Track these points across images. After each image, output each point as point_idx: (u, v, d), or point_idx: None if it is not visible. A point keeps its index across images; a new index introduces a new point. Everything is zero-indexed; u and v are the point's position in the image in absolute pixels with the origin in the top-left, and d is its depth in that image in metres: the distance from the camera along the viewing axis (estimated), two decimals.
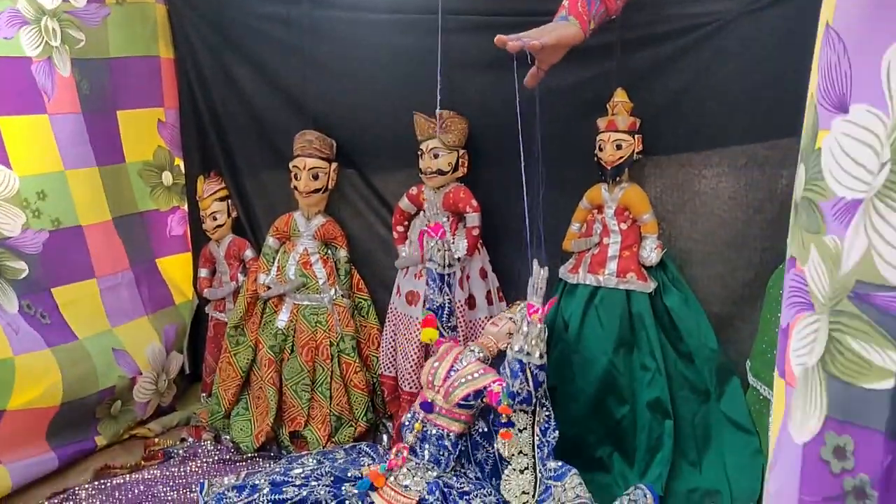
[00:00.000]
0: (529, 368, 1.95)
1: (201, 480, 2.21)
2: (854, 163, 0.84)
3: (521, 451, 2.05)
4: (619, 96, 2.27)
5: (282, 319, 2.64)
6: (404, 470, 2.03)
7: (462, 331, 2.39)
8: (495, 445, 2.06)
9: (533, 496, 1.99)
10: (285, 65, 2.66)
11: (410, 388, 2.46)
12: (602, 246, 2.34)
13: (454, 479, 2.01)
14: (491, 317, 2.44)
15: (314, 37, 2.60)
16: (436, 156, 2.37)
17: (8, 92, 2.29)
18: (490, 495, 1.99)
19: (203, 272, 2.92)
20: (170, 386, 2.88)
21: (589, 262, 2.35)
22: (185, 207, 3.00)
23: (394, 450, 2.09)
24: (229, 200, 2.84)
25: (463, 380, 2.06)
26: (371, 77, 2.57)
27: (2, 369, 2.19)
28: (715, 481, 2.17)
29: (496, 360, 2.16)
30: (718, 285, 2.32)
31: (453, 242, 2.41)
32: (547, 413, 2.06)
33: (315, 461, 2.24)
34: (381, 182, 2.69)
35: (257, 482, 1.99)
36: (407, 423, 2.14)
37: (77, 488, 2.28)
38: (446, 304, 2.21)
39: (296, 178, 2.58)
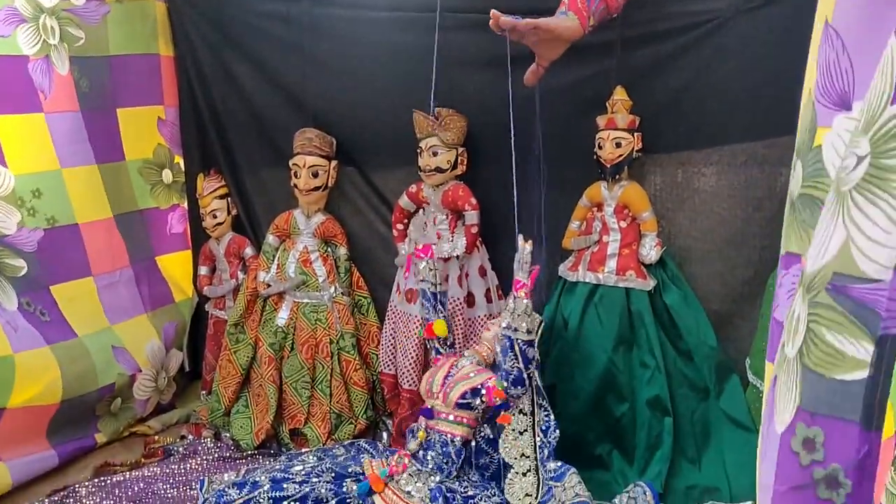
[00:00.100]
0: (518, 344, 1.94)
1: (201, 478, 2.21)
2: None
3: (522, 454, 2.05)
4: (619, 94, 2.27)
5: (282, 317, 2.65)
6: (406, 475, 2.03)
7: (461, 329, 2.39)
8: (500, 451, 2.06)
9: (536, 498, 1.99)
10: (285, 62, 2.66)
11: (410, 385, 2.46)
12: (601, 244, 2.34)
13: (457, 483, 2.01)
14: (490, 315, 2.44)
15: (314, 34, 2.60)
16: (435, 153, 2.37)
17: (4, 91, 2.28)
18: (494, 496, 1.99)
19: (203, 270, 2.92)
20: (170, 383, 2.88)
21: (588, 259, 2.35)
22: (185, 205, 3.00)
23: (395, 456, 2.08)
24: (229, 198, 2.84)
25: (459, 380, 2.06)
26: (371, 75, 2.57)
27: (2, 367, 2.19)
28: (714, 479, 2.18)
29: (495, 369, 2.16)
30: (718, 283, 2.32)
31: (452, 240, 2.41)
32: (546, 413, 2.07)
33: (315, 458, 2.24)
34: (381, 180, 2.69)
35: (258, 479, 1.99)
36: (413, 432, 2.13)
37: (77, 486, 2.28)
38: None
39: (296, 176, 2.58)
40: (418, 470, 2.03)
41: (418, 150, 2.41)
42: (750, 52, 2.16)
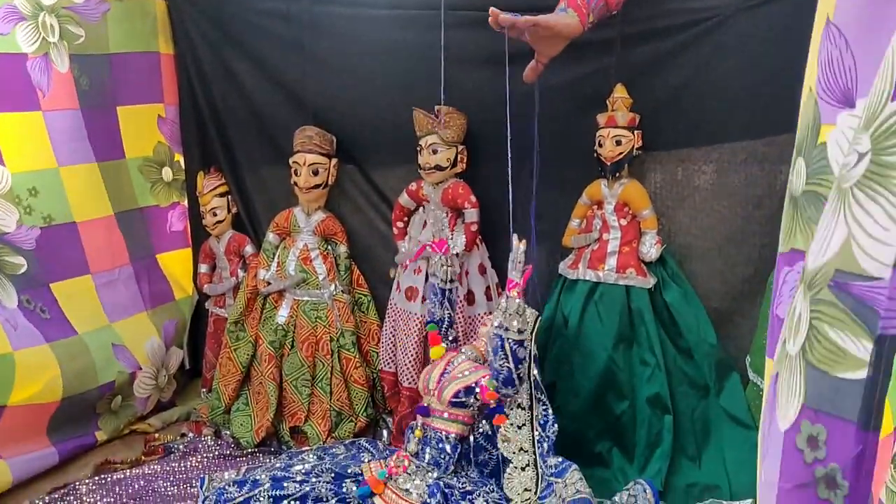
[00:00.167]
0: (508, 344, 1.94)
1: (201, 475, 2.22)
2: None
3: (521, 448, 2.05)
4: (619, 92, 2.27)
5: (282, 315, 2.65)
6: (405, 473, 2.03)
7: (461, 327, 2.39)
8: (498, 447, 2.06)
9: (535, 493, 1.99)
10: (285, 60, 2.66)
11: (410, 383, 2.47)
12: (602, 241, 2.34)
13: (455, 479, 2.01)
14: (490, 313, 2.44)
15: (314, 32, 2.60)
16: (434, 151, 2.37)
17: (2, 89, 2.28)
18: (492, 492, 1.99)
19: (203, 268, 2.92)
20: (170, 381, 2.89)
21: (589, 257, 2.35)
22: (185, 203, 3.00)
23: (394, 457, 2.09)
24: (229, 196, 2.84)
25: (454, 378, 2.06)
26: (371, 73, 2.57)
27: (2, 365, 2.19)
28: (714, 476, 2.18)
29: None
30: (718, 281, 2.32)
31: (452, 238, 2.41)
32: (544, 408, 2.07)
33: (315, 457, 2.24)
34: (381, 178, 2.69)
35: (258, 477, 1.99)
36: (411, 430, 2.14)
37: (77, 483, 2.29)
38: (446, 318, 2.22)
39: (296, 174, 2.58)
40: (416, 467, 2.03)
41: (418, 148, 2.41)
42: (749, 49, 2.16)
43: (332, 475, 2.02)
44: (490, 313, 2.43)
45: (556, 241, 2.43)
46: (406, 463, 2.05)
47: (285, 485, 1.94)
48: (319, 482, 1.97)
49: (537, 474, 2.02)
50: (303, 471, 2.04)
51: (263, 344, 2.64)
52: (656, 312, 2.29)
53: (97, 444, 2.56)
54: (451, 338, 2.24)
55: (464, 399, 2.03)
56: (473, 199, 2.40)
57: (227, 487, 1.95)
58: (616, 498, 2.08)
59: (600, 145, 2.27)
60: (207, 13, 2.74)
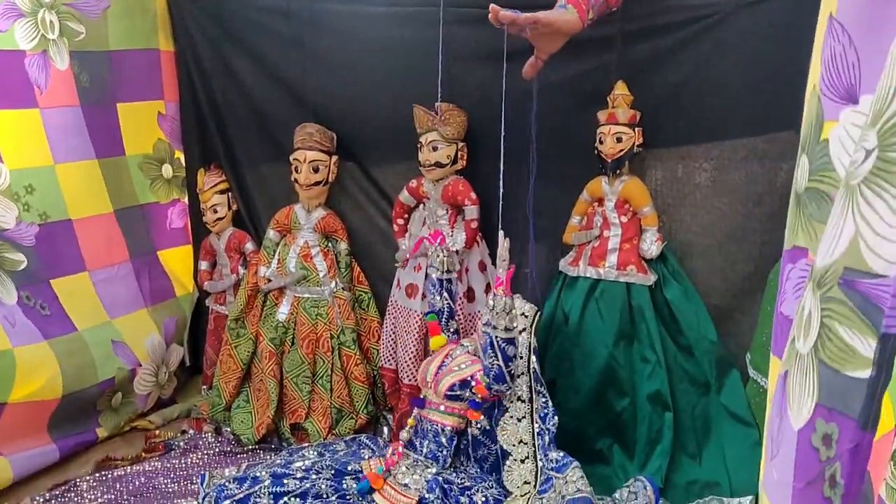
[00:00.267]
0: (496, 341, 1.94)
1: (202, 472, 2.22)
2: None
3: (521, 441, 2.05)
4: (620, 89, 2.27)
5: (282, 312, 2.65)
6: (403, 468, 2.03)
7: (461, 324, 2.39)
8: (496, 441, 2.07)
9: (534, 486, 1.99)
10: (285, 57, 2.66)
11: (410, 380, 2.47)
12: (602, 239, 2.34)
13: (454, 474, 2.02)
14: None
15: (314, 29, 2.60)
16: (435, 148, 2.37)
17: (0, 85, 2.28)
18: (491, 488, 1.99)
19: (203, 265, 2.92)
20: (170, 378, 2.89)
21: (589, 254, 2.35)
22: (186, 200, 3.00)
23: (390, 449, 2.10)
24: (230, 193, 2.84)
25: (450, 371, 2.06)
26: (371, 70, 2.56)
27: (1, 362, 2.20)
28: (714, 473, 2.18)
29: None
30: (718, 278, 2.32)
31: (451, 235, 2.41)
32: (544, 400, 2.07)
33: (316, 454, 2.25)
34: (381, 175, 2.69)
35: (258, 474, 1.99)
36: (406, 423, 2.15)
37: (78, 480, 2.29)
38: (446, 309, 2.23)
39: (296, 171, 2.58)
40: (414, 462, 2.04)
41: (418, 145, 2.41)
42: (750, 46, 2.16)
43: (333, 472, 2.02)
44: None
45: (556, 238, 2.43)
46: (401, 449, 2.05)
47: (285, 481, 1.94)
48: (320, 479, 1.97)
49: (537, 467, 2.02)
50: (303, 467, 2.04)
51: (264, 341, 2.64)
52: (657, 309, 2.29)
53: (98, 441, 2.56)
54: (452, 329, 2.24)
55: (459, 392, 2.03)
56: (474, 195, 2.40)
57: (227, 484, 1.95)
58: (616, 495, 2.08)
59: (601, 142, 2.27)
60: (207, 10, 2.74)
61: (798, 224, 1.01)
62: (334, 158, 2.60)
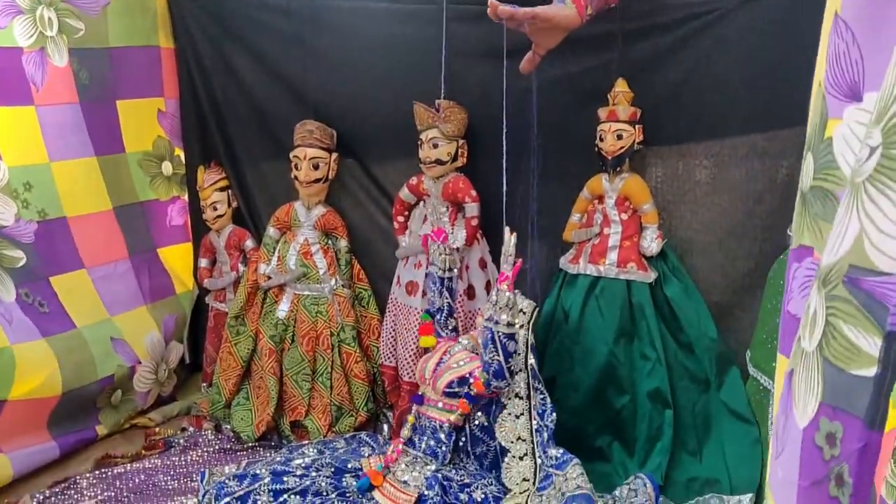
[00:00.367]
0: (498, 336, 1.94)
1: (202, 470, 2.22)
2: None
3: (519, 437, 2.05)
4: (620, 86, 2.26)
5: (282, 309, 2.65)
6: (403, 465, 2.03)
7: (461, 321, 2.39)
8: (495, 438, 2.07)
9: (533, 483, 1.99)
10: (286, 55, 2.65)
11: (410, 377, 2.47)
12: (602, 236, 2.34)
13: (453, 472, 2.02)
14: None
15: (314, 27, 2.59)
16: (435, 146, 2.37)
17: None
18: (491, 485, 1.99)
19: (203, 262, 2.92)
20: (170, 376, 2.89)
21: (589, 252, 2.35)
22: (186, 197, 3.00)
23: (391, 446, 2.10)
24: (230, 190, 2.84)
25: (449, 368, 2.06)
26: (371, 67, 2.56)
27: (1, 359, 2.19)
28: (714, 471, 2.18)
29: None
30: (719, 275, 2.32)
31: (452, 232, 2.41)
32: (542, 396, 2.06)
33: (316, 451, 2.25)
34: (382, 172, 2.68)
35: (258, 472, 1.99)
36: (405, 421, 2.15)
37: (78, 477, 2.29)
38: (445, 307, 2.23)
39: (296, 168, 2.58)
40: (414, 458, 2.04)
41: (419, 143, 2.41)
42: (750, 44, 2.16)
43: (333, 469, 2.03)
44: None
45: (556, 235, 2.43)
46: (400, 447, 2.05)
47: (285, 479, 1.94)
48: (319, 476, 1.97)
49: (535, 464, 2.02)
50: (303, 465, 2.04)
51: (264, 338, 2.63)
52: (657, 307, 2.28)
53: (98, 439, 2.57)
54: (450, 327, 2.24)
55: (457, 389, 2.03)
56: (474, 193, 2.39)
57: (227, 481, 1.96)
58: (616, 492, 2.08)
59: (601, 139, 2.27)
60: (208, 8, 2.73)
61: (804, 223, 1.00)
62: (334, 156, 2.60)
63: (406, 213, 2.57)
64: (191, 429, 2.69)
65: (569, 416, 2.22)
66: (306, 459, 2.10)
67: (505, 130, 1.94)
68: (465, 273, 2.44)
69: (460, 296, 2.40)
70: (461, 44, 2.37)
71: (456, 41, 2.35)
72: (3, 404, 2.19)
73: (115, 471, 2.34)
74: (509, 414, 2.05)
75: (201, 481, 2.11)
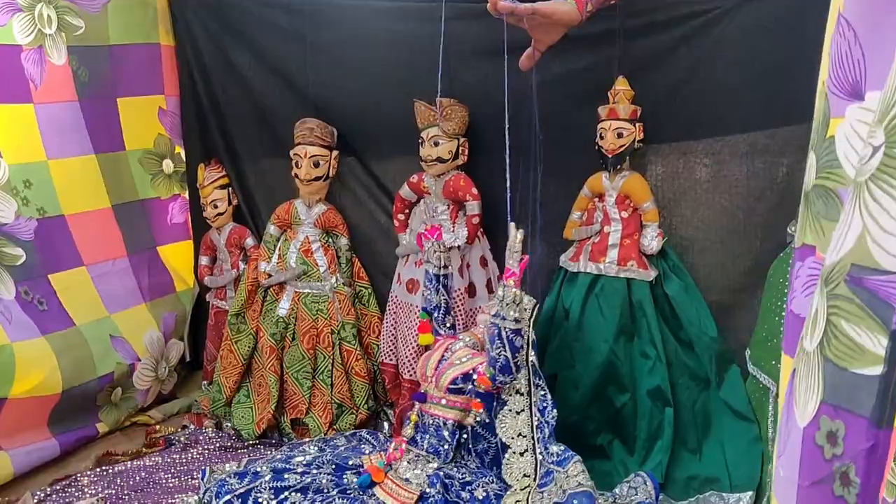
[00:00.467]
0: (505, 332, 1.94)
1: (203, 467, 2.22)
2: None
3: (520, 433, 2.05)
4: (621, 84, 2.26)
5: (283, 307, 2.65)
6: (405, 463, 2.03)
7: (462, 319, 2.39)
8: (496, 435, 2.07)
9: (534, 479, 1.99)
10: (286, 52, 2.65)
11: (411, 375, 2.47)
12: (603, 234, 2.34)
13: (455, 469, 2.02)
14: None
15: (315, 24, 2.59)
16: (436, 144, 2.37)
17: None
18: (492, 483, 1.99)
19: (204, 260, 2.92)
20: (170, 373, 2.89)
21: (590, 250, 2.35)
22: (186, 195, 3.00)
23: (392, 444, 2.10)
24: (230, 188, 2.84)
25: (451, 365, 2.06)
26: (372, 64, 2.56)
27: (1, 357, 2.20)
28: (714, 469, 2.18)
29: None
30: (719, 273, 2.32)
31: (453, 230, 2.41)
32: (543, 393, 2.06)
33: (316, 449, 2.25)
34: (382, 170, 2.68)
35: (259, 469, 1.99)
36: (408, 419, 2.15)
37: (79, 475, 2.29)
38: (442, 304, 2.23)
39: (297, 166, 2.58)
40: (416, 456, 2.04)
41: (420, 141, 2.41)
42: (751, 41, 2.15)
43: (333, 467, 2.03)
44: None
45: (557, 233, 2.43)
46: (403, 447, 2.05)
47: (286, 476, 1.94)
48: (320, 474, 1.97)
49: (536, 460, 2.02)
50: (304, 462, 2.04)
51: (264, 336, 2.64)
52: (657, 305, 2.28)
53: (98, 436, 2.57)
54: (448, 325, 2.24)
55: (461, 386, 2.03)
56: (475, 191, 2.39)
57: (228, 479, 1.96)
58: (617, 490, 2.08)
59: (602, 137, 2.27)
60: (208, 4, 2.73)
61: (806, 222, 1.00)
62: (335, 153, 2.60)
63: (406, 210, 2.57)
64: (191, 426, 2.70)
65: (569, 415, 2.22)
66: (307, 457, 2.10)
67: (507, 128, 1.94)
68: (465, 271, 2.44)
69: (461, 293, 2.40)
70: (462, 41, 2.37)
71: (457, 39, 2.35)
72: (4, 402, 2.20)
73: (116, 468, 2.34)
74: (510, 410, 2.05)
75: (202, 479, 2.11)
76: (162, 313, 2.85)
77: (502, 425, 2.06)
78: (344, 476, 1.99)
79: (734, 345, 2.29)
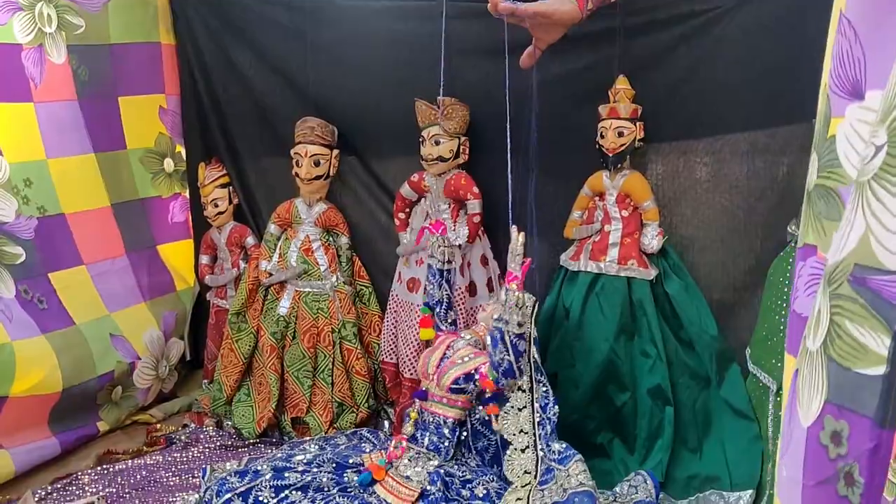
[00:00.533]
0: (508, 336, 1.94)
1: (203, 466, 2.22)
2: None
3: (521, 430, 2.05)
4: (621, 83, 2.26)
5: (283, 306, 2.65)
6: (405, 460, 2.03)
7: (462, 318, 2.39)
8: (496, 432, 2.07)
9: (535, 476, 1.99)
10: (287, 51, 2.66)
11: (411, 374, 2.47)
12: (603, 233, 2.34)
13: (455, 467, 2.02)
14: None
15: (316, 23, 2.59)
16: (437, 143, 2.37)
17: None
18: (492, 481, 2.00)
19: (204, 259, 2.92)
20: (171, 372, 2.89)
21: (590, 249, 2.35)
22: (187, 194, 3.00)
23: (393, 441, 2.10)
24: (230, 187, 2.84)
25: (454, 364, 2.06)
26: (373, 63, 2.56)
27: (1, 356, 2.20)
28: (715, 467, 2.18)
29: None
30: (719, 272, 2.32)
31: (454, 229, 2.41)
32: (545, 389, 2.06)
33: (317, 447, 2.25)
34: (382, 169, 2.69)
35: (259, 468, 1.99)
36: (408, 416, 2.15)
37: (80, 473, 2.29)
38: (445, 299, 2.23)
39: (297, 165, 2.58)
40: (417, 454, 2.04)
41: (420, 140, 2.41)
42: (751, 41, 2.15)
43: (334, 465, 2.03)
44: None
45: (557, 232, 2.43)
46: (404, 444, 2.05)
47: (287, 475, 1.95)
48: (321, 472, 1.98)
49: (537, 457, 2.02)
50: (304, 461, 2.04)
51: (265, 335, 2.64)
52: (658, 304, 2.29)
53: (99, 435, 2.57)
54: (450, 320, 2.24)
55: (463, 385, 2.03)
56: (476, 190, 2.39)
57: (228, 477, 1.96)
58: (617, 489, 2.08)
59: (602, 136, 2.27)
60: (208, 3, 2.73)
61: (808, 222, 1.00)
62: (335, 152, 2.60)
63: (407, 209, 2.57)
64: (192, 425, 2.70)
65: (570, 413, 2.22)
66: (307, 455, 2.11)
67: (509, 127, 1.94)
68: (466, 270, 2.44)
69: (462, 292, 2.41)
70: (462, 40, 2.37)
71: (458, 38, 2.35)
72: (4, 401, 2.20)
73: (117, 467, 2.34)
74: (512, 407, 2.05)
75: (203, 477, 2.11)
76: (162, 312, 2.85)
77: (504, 422, 2.06)
78: (344, 474, 1.99)
79: (734, 344, 2.29)
